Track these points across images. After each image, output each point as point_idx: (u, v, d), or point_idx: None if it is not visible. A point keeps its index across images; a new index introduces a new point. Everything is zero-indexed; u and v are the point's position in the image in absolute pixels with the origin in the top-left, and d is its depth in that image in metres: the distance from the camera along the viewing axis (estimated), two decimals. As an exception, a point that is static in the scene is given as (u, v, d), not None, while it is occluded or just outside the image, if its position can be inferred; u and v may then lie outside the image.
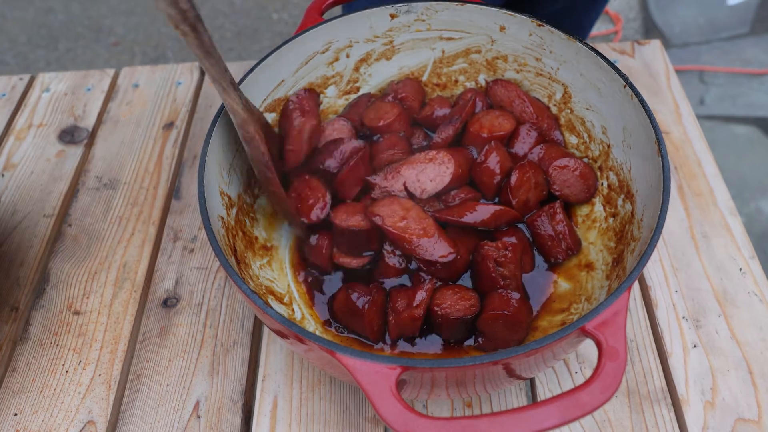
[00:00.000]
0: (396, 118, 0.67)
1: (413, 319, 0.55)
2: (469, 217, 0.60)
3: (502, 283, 0.57)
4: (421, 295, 0.56)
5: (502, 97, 0.69)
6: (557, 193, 0.64)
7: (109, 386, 0.61)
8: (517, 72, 0.70)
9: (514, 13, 0.65)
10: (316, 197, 0.62)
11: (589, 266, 0.60)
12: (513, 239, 0.60)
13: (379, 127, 0.67)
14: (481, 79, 0.73)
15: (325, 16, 0.68)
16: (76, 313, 0.66)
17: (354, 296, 0.57)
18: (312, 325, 0.59)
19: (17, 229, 0.74)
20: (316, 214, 0.62)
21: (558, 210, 0.61)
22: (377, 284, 0.59)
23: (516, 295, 0.55)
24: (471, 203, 0.61)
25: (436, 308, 0.56)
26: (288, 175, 0.64)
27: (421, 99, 0.72)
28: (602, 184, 0.64)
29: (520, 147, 0.65)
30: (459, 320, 0.55)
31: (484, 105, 0.69)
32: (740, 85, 1.84)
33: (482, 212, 0.60)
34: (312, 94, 0.68)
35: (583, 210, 0.65)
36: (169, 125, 0.84)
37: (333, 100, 0.73)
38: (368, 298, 0.56)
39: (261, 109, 0.65)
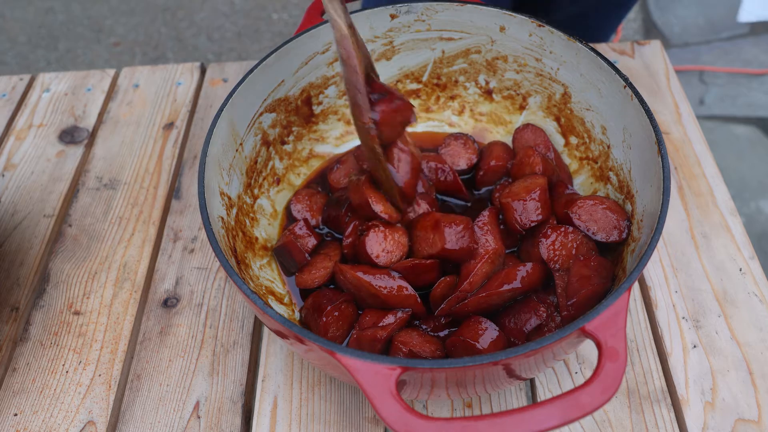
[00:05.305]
0: (542, 192, 0.59)
1: (374, 339, 0.53)
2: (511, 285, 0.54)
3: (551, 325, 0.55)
4: (389, 319, 0.55)
5: (528, 140, 0.68)
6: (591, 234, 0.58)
7: (109, 386, 0.61)
8: (517, 72, 0.70)
9: (513, 14, 0.65)
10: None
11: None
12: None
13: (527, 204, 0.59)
14: (481, 79, 0.73)
15: (325, 17, 0.68)
16: (77, 313, 0.66)
17: (323, 298, 0.57)
18: (312, 326, 0.59)
19: (17, 229, 0.74)
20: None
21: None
22: (349, 296, 0.58)
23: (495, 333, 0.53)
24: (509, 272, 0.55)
25: (399, 345, 0.53)
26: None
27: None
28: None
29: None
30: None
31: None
32: (740, 85, 1.84)
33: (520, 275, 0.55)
34: None
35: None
36: (169, 125, 0.84)
37: (333, 100, 0.73)
38: (335, 303, 0.56)
39: (261, 110, 0.65)
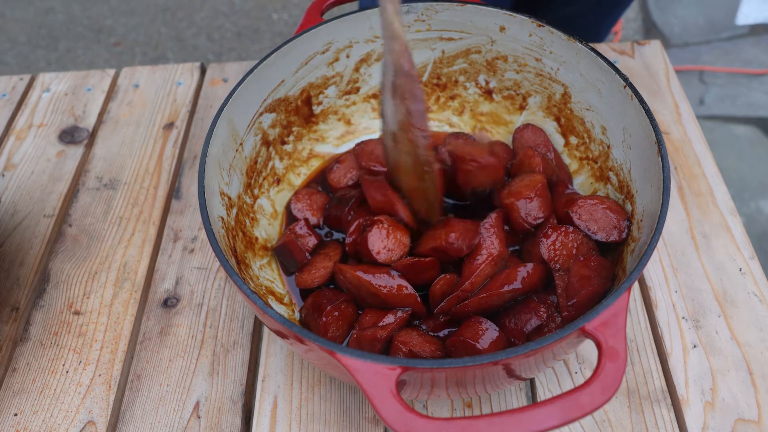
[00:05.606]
0: (543, 188, 0.60)
1: (374, 339, 0.53)
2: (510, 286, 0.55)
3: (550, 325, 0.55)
4: (389, 319, 0.54)
5: (528, 140, 0.68)
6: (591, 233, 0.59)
7: (110, 386, 0.61)
8: (517, 72, 0.70)
9: (513, 14, 0.65)
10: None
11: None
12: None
13: (529, 198, 0.59)
14: (481, 79, 0.73)
15: (325, 17, 0.68)
16: (77, 313, 0.66)
17: (323, 298, 0.57)
18: (312, 326, 0.59)
19: (17, 230, 0.74)
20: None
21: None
22: (349, 295, 0.58)
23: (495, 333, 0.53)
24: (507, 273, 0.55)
25: (399, 344, 0.53)
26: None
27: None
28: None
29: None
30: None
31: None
32: (740, 85, 1.84)
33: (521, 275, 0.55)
34: None
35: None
36: (169, 125, 0.84)
37: (333, 100, 0.73)
38: (335, 303, 0.56)
39: (261, 110, 0.65)
